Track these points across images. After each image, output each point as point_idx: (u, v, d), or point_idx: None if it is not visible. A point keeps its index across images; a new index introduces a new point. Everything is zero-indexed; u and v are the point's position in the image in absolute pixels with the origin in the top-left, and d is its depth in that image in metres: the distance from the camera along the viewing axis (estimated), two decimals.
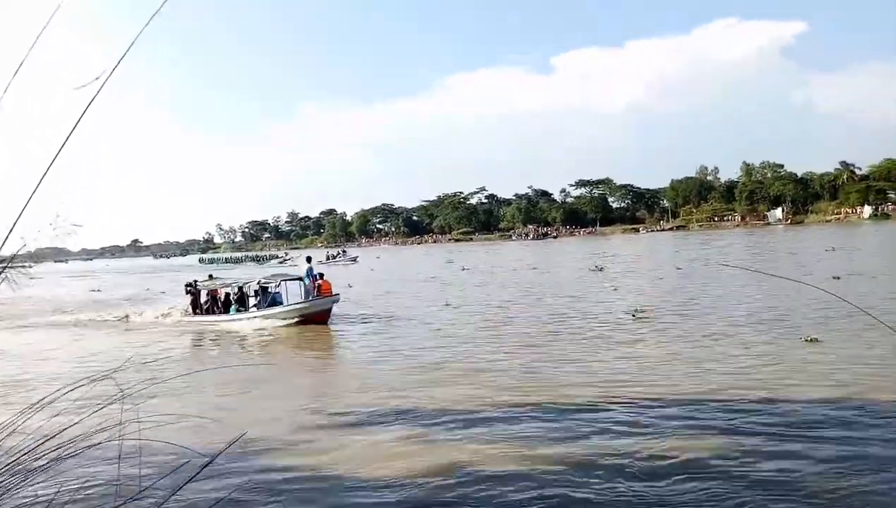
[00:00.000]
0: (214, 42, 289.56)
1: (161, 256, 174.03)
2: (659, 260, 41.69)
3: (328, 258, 71.76)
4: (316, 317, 18.84)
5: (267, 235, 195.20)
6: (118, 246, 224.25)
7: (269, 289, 20.26)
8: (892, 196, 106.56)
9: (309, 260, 20.88)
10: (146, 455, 3.48)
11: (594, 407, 8.41)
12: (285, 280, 20.41)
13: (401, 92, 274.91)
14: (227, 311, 20.81)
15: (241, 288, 21.01)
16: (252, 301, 20.65)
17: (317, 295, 19.16)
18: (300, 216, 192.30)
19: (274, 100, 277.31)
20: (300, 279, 20.00)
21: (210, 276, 23.47)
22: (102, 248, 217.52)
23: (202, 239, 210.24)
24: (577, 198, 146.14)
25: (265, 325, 18.88)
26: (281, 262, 79.04)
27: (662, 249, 56.21)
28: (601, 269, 34.18)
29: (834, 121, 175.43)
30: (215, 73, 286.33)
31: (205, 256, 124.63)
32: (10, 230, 2.10)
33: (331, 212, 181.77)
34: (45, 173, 2.14)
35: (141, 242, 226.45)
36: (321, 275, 20.00)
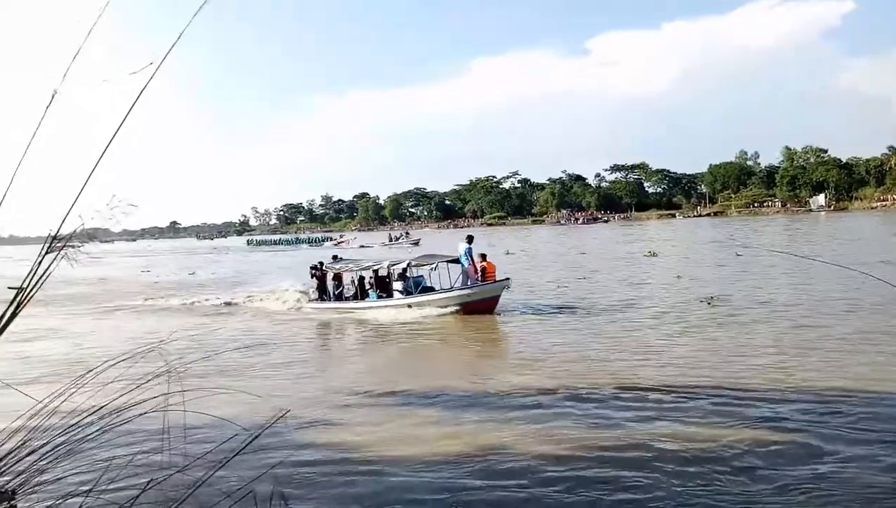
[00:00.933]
0: (241, 35, 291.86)
1: (204, 237, 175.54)
2: (709, 246, 40.51)
3: (391, 240, 71.59)
4: (482, 306, 16.57)
5: (301, 218, 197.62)
6: (157, 227, 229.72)
7: (413, 273, 18.13)
8: None
9: (470, 239, 17.62)
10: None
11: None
12: (445, 261, 17.76)
13: (430, 77, 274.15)
14: (363, 297, 18.79)
15: (376, 272, 18.85)
16: (397, 285, 18.07)
17: (481, 280, 16.93)
18: (334, 199, 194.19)
19: (307, 89, 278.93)
20: (455, 260, 17.63)
21: (335, 257, 21.51)
22: (143, 230, 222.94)
23: (238, 221, 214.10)
24: (612, 182, 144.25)
25: (415, 315, 16.70)
26: (336, 244, 78.43)
27: (707, 235, 54.70)
28: (654, 255, 33.72)
29: (883, 104, 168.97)
30: (254, 67, 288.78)
31: (253, 237, 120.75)
32: (70, 209, 2.22)
33: (364, 195, 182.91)
34: (101, 156, 2.25)
35: (179, 224, 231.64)
36: (483, 256, 17.54)
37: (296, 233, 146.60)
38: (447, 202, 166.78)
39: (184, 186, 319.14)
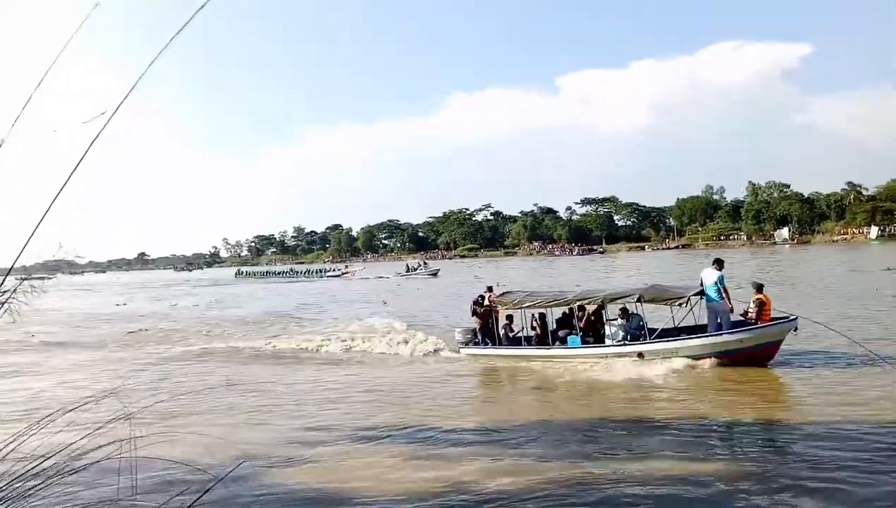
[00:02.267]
0: (217, 66, 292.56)
1: (182, 268, 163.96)
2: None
3: (408, 270, 67.04)
4: (757, 354, 12.23)
5: (272, 250, 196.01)
6: (125, 258, 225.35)
7: (633, 312, 13.78)
8: None
9: (719, 264, 12.92)
10: None
11: None
12: (693, 294, 12.94)
13: (406, 112, 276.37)
14: (542, 341, 14.53)
15: (575, 308, 14.57)
16: (614, 326, 13.76)
17: (757, 319, 12.46)
18: (306, 231, 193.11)
19: (278, 120, 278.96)
20: (700, 292, 12.94)
21: (489, 289, 16.66)
22: (109, 261, 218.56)
23: (208, 253, 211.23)
24: (583, 215, 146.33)
25: (660, 370, 12.05)
26: (342, 274, 73.21)
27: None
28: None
29: (840, 142, 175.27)
30: (223, 98, 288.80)
31: (242, 269, 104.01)
32: (26, 243, 2.21)
33: (336, 227, 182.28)
34: (59, 193, 2.23)
35: (148, 255, 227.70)
36: (759, 287, 12.96)
37: (280, 264, 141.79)
38: (420, 234, 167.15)
39: (152, 217, 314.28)
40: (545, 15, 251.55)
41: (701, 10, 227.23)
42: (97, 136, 2.17)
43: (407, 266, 70.58)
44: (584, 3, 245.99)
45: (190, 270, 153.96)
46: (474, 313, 15.79)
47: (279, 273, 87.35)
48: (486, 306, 15.53)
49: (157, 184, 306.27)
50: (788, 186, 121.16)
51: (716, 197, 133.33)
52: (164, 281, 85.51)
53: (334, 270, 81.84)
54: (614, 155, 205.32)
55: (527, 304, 14.73)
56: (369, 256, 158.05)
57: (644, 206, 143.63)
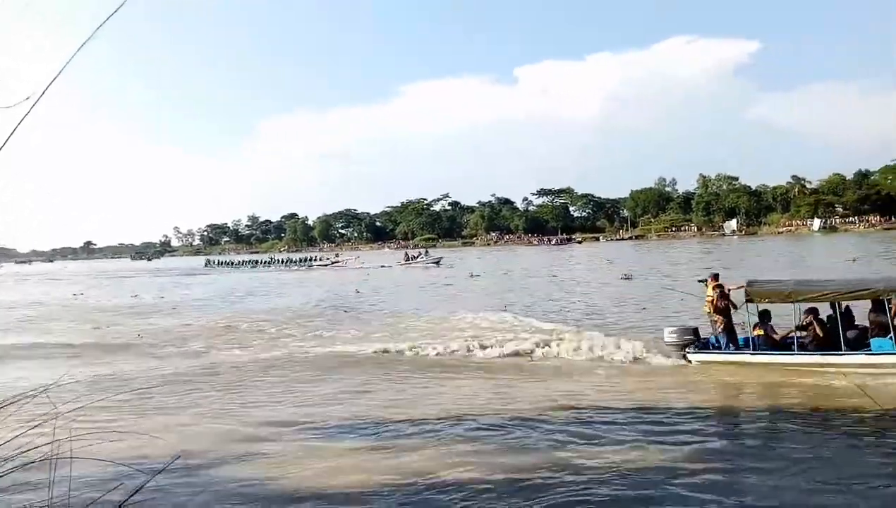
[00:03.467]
0: (167, 55, 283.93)
1: (141, 257, 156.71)
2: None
3: (407, 258, 63.83)
4: None
5: (226, 239, 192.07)
6: (70, 247, 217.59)
7: None
8: (839, 209, 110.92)
9: None
10: None
11: None
12: None
13: (360, 99, 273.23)
14: (826, 344, 11.12)
15: (881, 300, 11.00)
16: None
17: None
18: (261, 220, 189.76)
19: (231, 108, 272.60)
20: None
21: (714, 277, 12.79)
22: (53, 250, 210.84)
23: (159, 242, 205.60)
24: (540, 206, 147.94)
25: None
26: (332, 264, 67.99)
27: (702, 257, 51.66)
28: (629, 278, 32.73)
29: (786, 137, 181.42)
30: (175, 87, 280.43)
31: (212, 258, 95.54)
32: None
33: (292, 216, 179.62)
34: None
35: (94, 244, 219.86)
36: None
37: (233, 253, 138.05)
38: (378, 224, 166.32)
39: (96, 206, 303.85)
40: (501, 4, 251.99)
41: (654, 4, 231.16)
42: (20, 122, 2.02)
43: (406, 254, 67.60)
44: None
45: (149, 259, 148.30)
46: (717, 309, 12.08)
47: (258, 262, 79.76)
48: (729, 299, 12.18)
49: (102, 172, 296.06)
50: (737, 179, 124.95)
51: (668, 189, 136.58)
52: (127, 271, 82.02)
53: (323, 259, 75.88)
54: (571, 146, 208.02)
55: (804, 296, 11.33)
56: (325, 246, 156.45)
57: (599, 198, 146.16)
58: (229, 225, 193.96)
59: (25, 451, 3.13)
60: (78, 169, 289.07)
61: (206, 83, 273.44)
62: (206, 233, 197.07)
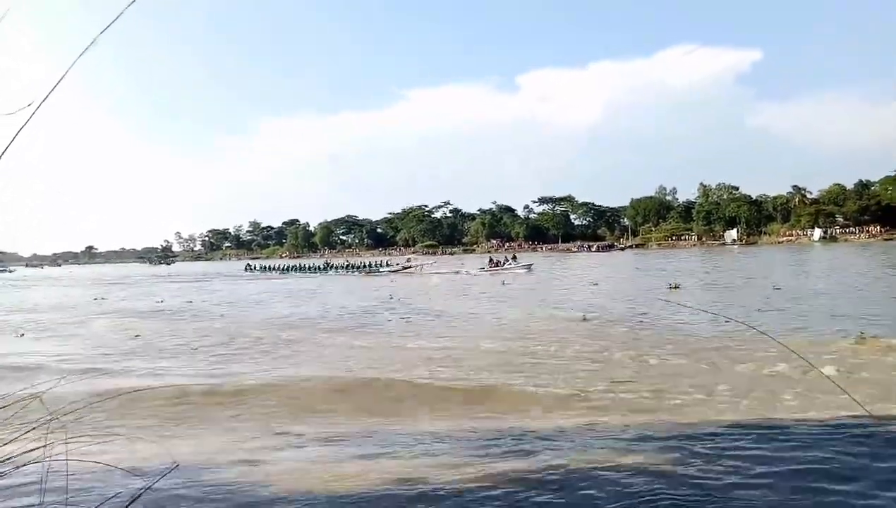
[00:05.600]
0: (171, 56, 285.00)
1: (160, 261, 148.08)
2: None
3: (494, 264, 54.96)
4: None
5: (227, 244, 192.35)
6: (71, 252, 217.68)
7: None
8: (840, 219, 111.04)
9: None
10: None
11: None
12: None
13: (363, 105, 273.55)
14: None
15: None
16: None
17: None
18: (262, 225, 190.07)
19: (233, 110, 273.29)
20: None
21: None
22: (55, 254, 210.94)
23: (160, 246, 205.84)
24: (540, 214, 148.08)
25: None
26: (403, 270, 59.83)
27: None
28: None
29: (787, 145, 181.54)
30: (173, 87, 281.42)
31: (254, 263, 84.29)
32: None
33: (293, 222, 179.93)
34: None
35: (96, 249, 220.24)
36: None
37: (235, 258, 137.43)
38: (379, 230, 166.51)
39: (97, 208, 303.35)
40: (504, 12, 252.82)
41: (656, 14, 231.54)
42: (21, 129, 2.07)
43: (490, 258, 59.02)
44: (541, 3, 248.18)
45: (168, 263, 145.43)
46: None
47: (307, 268, 68.38)
48: None
49: (102, 174, 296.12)
50: (738, 188, 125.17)
51: (668, 197, 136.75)
52: (152, 276, 74.50)
53: (395, 265, 64.39)
54: (572, 154, 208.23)
55: None
56: (326, 251, 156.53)
57: (600, 206, 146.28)
58: (231, 230, 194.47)
59: (17, 455, 3.15)
60: (77, 170, 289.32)
61: (207, 84, 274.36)
62: (207, 239, 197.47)
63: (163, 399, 10.59)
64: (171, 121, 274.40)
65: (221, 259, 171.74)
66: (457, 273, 54.34)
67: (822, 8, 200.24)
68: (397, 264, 64.59)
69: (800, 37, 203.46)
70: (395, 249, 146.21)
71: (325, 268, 66.86)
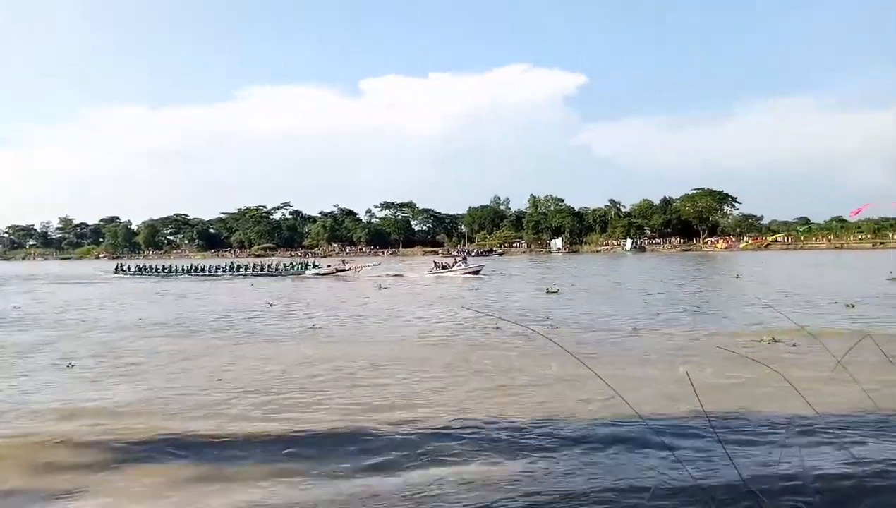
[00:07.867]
0: None
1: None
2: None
3: (438, 267, 50.24)
4: None
5: (32, 242, 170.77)
6: None
7: None
8: (648, 232, 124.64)
9: None
10: None
11: None
12: None
13: (199, 100, 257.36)
14: None
15: None
16: None
17: None
18: (75, 223, 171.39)
19: (45, 101, 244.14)
20: None
21: None
22: None
23: None
24: (382, 219, 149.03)
25: None
26: (336, 272, 53.33)
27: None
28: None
29: (605, 163, 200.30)
30: None
31: (126, 263, 68.06)
32: None
33: (113, 219, 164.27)
34: None
35: None
36: None
37: (41, 258, 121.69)
38: (211, 230, 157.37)
39: None
40: (348, 15, 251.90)
41: (492, 31, 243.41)
42: None
43: (435, 262, 53.35)
44: (388, 7, 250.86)
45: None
46: None
47: (215, 269, 58.96)
48: None
49: None
50: (563, 200, 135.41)
51: (502, 207, 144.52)
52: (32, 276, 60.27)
53: (325, 266, 57.65)
54: (414, 162, 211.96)
55: None
56: (151, 252, 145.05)
57: (439, 213, 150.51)
58: (37, 227, 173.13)
59: None
60: None
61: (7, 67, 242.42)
62: (7, 235, 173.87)
63: None
64: None
65: (24, 258, 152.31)
66: (399, 275, 49.87)
67: (637, 42, 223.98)
68: (328, 266, 57.46)
69: (615, 66, 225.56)
70: (230, 251, 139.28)
71: (230, 270, 57.94)
